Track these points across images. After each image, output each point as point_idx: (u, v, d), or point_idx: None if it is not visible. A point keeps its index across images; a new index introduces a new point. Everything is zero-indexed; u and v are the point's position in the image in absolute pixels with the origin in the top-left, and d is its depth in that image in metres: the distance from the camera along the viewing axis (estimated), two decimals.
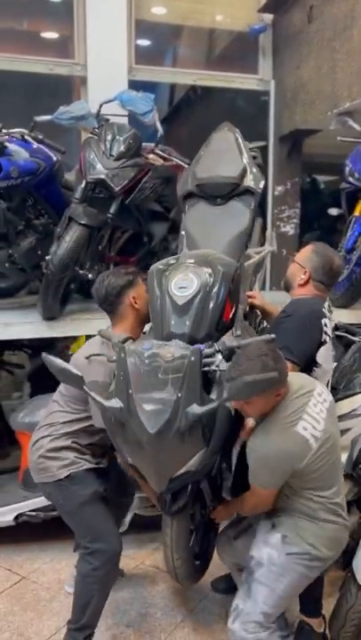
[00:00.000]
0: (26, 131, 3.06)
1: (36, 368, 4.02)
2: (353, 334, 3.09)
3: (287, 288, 2.32)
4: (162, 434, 1.71)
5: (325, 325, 2.16)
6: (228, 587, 2.53)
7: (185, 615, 2.49)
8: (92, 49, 4.19)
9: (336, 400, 2.70)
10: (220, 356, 1.81)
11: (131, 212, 3.16)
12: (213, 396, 1.83)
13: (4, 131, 2.92)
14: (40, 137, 3.06)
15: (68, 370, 1.82)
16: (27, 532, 2.94)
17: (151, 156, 3.15)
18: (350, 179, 3.49)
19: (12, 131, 3.01)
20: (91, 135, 3.13)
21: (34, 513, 2.85)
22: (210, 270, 1.99)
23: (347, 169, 3.55)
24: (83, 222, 2.86)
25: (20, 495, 2.90)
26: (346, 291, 3.48)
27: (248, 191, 2.52)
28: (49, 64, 4.21)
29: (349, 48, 3.77)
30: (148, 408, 1.72)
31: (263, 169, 2.92)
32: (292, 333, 2.12)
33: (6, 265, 3.17)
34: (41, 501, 2.74)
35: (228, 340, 1.96)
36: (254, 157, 2.91)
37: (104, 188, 2.96)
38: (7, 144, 2.88)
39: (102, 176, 2.91)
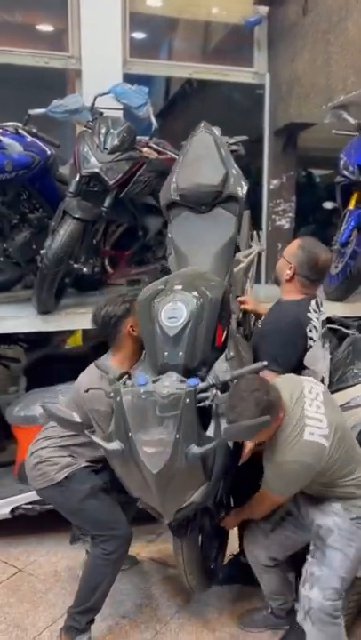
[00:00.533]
0: (20, 124, 3.05)
1: (32, 362, 4.03)
2: (347, 327, 3.10)
3: (277, 282, 2.35)
4: (164, 473, 1.78)
5: (311, 330, 2.17)
6: (225, 577, 2.56)
7: (180, 606, 2.51)
8: (86, 42, 4.19)
9: (330, 393, 2.73)
10: (214, 390, 1.83)
11: (125, 205, 3.16)
12: (211, 429, 1.87)
13: None
14: (34, 130, 3.05)
15: (67, 419, 1.94)
16: (23, 525, 2.95)
17: (145, 149, 3.14)
18: (345, 172, 3.49)
19: (5, 124, 3.00)
20: (85, 128, 3.12)
21: (30, 506, 2.86)
22: (198, 296, 1.98)
23: (341, 162, 3.55)
24: (77, 216, 2.86)
25: (16, 488, 2.92)
26: (340, 284, 3.50)
27: (232, 197, 2.47)
28: (43, 57, 4.20)
29: (344, 40, 3.77)
30: (149, 450, 1.80)
31: (244, 160, 2.92)
32: (275, 343, 2.18)
33: (1, 259, 3.17)
34: (37, 495, 2.75)
35: (221, 367, 1.97)
36: (235, 151, 2.90)
37: (98, 181, 2.95)
38: (1, 138, 2.87)
39: (96, 170, 2.90)
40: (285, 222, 4.92)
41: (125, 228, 3.51)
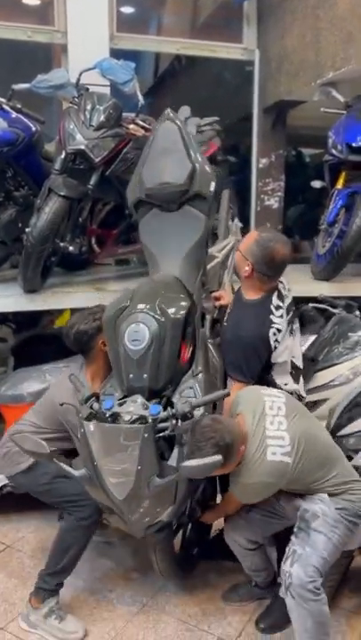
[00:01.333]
0: (4, 100, 3.00)
1: (19, 342, 4.02)
2: (334, 307, 3.12)
3: (238, 277, 2.36)
4: (129, 500, 1.88)
5: (275, 333, 2.19)
6: (209, 553, 2.60)
7: (166, 580, 2.55)
8: (72, 15, 4.09)
9: (315, 371, 2.76)
10: (174, 420, 1.89)
11: (111, 183, 3.12)
12: (174, 457, 1.94)
13: None
14: (18, 106, 3.00)
15: (37, 451, 1.97)
16: (11, 503, 2.96)
17: (132, 126, 3.09)
18: (333, 151, 3.48)
19: None
20: (70, 105, 3.07)
21: None
22: (160, 317, 2.02)
23: (330, 141, 3.53)
24: (62, 194, 2.82)
25: None
26: (328, 264, 3.50)
27: (200, 195, 2.37)
28: (27, 31, 4.10)
29: (333, 16, 3.71)
30: (113, 480, 1.88)
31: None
32: (238, 355, 2.23)
33: None
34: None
35: (187, 385, 2.05)
36: (202, 131, 2.83)
37: (84, 159, 2.91)
38: None
39: (82, 147, 2.86)
40: (274, 202, 4.89)
41: (112, 207, 3.48)
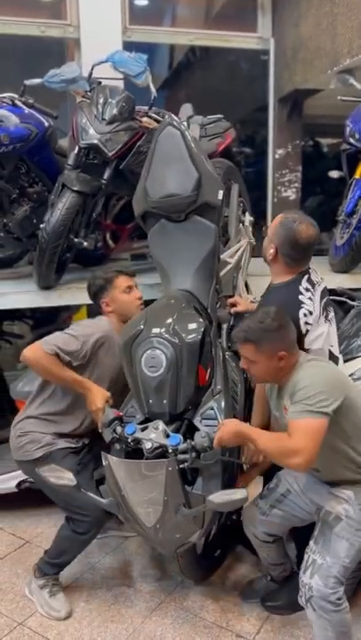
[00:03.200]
0: (16, 95, 2.99)
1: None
2: (352, 299, 3.06)
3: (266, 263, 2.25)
4: (158, 526, 1.94)
5: (306, 315, 2.03)
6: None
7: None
8: (84, 9, 4.06)
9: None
10: (193, 454, 1.91)
11: (125, 177, 3.09)
12: (199, 484, 2.01)
13: None
14: (31, 101, 2.99)
15: (63, 484, 2.02)
16: (30, 499, 2.97)
17: (145, 119, 3.05)
18: (351, 139, 3.40)
19: (1, 95, 2.94)
20: (83, 99, 3.05)
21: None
22: (177, 342, 2.01)
23: (347, 129, 3.46)
24: (76, 189, 2.81)
25: None
26: (345, 255, 3.43)
27: (208, 204, 2.30)
28: (40, 26, 4.08)
29: (350, 1, 3.63)
30: (141, 509, 1.94)
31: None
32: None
33: (1, 234, 3.14)
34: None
35: (199, 435, 1.97)
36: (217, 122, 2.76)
37: (97, 153, 2.90)
38: None
39: (95, 141, 2.84)
40: (291, 193, 4.83)
41: (126, 201, 3.45)
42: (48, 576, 2.39)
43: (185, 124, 2.62)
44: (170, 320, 2.07)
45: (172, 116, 2.36)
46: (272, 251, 2.11)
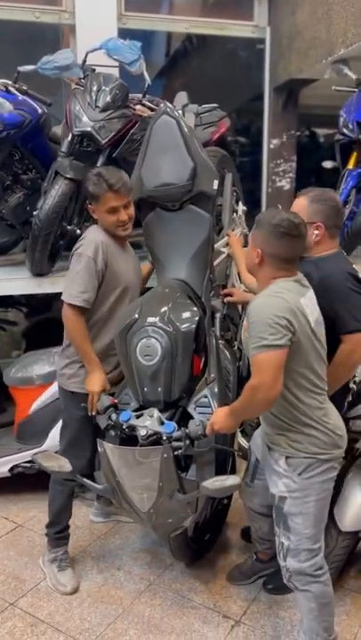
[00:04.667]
0: (10, 82, 2.98)
1: (31, 325, 4.06)
2: None
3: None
4: (152, 512, 1.98)
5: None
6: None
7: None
8: None
9: None
10: (187, 441, 1.95)
11: (119, 165, 3.10)
12: (193, 473, 2.08)
13: None
14: (24, 88, 2.98)
15: (57, 470, 2.10)
16: (22, 483, 3.02)
17: (138, 107, 3.05)
18: (344, 130, 3.41)
19: None
20: (77, 86, 3.05)
21: (29, 464, 2.93)
22: (171, 331, 2.03)
23: (341, 120, 3.46)
24: (69, 176, 2.81)
25: (15, 447, 2.98)
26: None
27: (203, 193, 2.28)
28: (35, 12, 4.06)
29: None
30: (136, 495, 1.98)
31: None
32: (345, 305, 1.98)
33: None
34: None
35: (193, 423, 1.99)
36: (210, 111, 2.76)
37: (91, 140, 2.90)
38: None
39: (88, 128, 2.84)
40: (286, 183, 4.84)
41: None
42: (56, 547, 2.49)
43: (180, 112, 2.60)
44: (165, 309, 2.08)
45: (168, 104, 2.33)
46: (317, 231, 2.04)
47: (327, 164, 4.44)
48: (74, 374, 2.36)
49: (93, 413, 2.23)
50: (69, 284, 2.27)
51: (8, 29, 4.24)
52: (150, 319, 2.06)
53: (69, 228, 2.98)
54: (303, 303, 1.81)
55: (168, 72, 6.31)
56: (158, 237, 2.39)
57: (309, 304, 1.85)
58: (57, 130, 3.35)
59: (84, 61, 3.06)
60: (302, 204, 2.08)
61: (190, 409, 2.13)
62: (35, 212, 2.86)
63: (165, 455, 1.90)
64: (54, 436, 2.78)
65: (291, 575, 1.92)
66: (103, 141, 2.87)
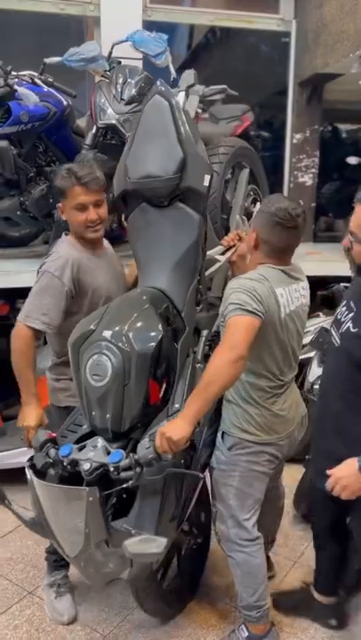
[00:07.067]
0: (36, 73, 2.99)
1: None
2: None
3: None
4: (80, 558, 1.74)
5: None
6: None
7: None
8: None
9: None
10: (138, 469, 1.67)
11: None
12: (133, 514, 1.76)
13: (13, 73, 2.85)
14: (50, 80, 2.99)
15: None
16: None
17: None
18: None
19: (21, 73, 2.94)
20: (102, 78, 3.04)
21: None
22: (125, 349, 1.73)
23: None
24: None
25: None
26: None
27: (192, 190, 1.98)
28: (59, 3, 4.05)
29: None
30: (64, 536, 1.75)
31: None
32: None
33: (18, 213, 3.16)
34: None
35: (142, 446, 1.72)
36: (213, 101, 2.58)
37: (115, 133, 2.90)
38: (17, 87, 2.82)
39: (113, 121, 2.85)
40: (308, 179, 4.78)
41: None
42: (54, 571, 2.35)
43: (181, 94, 2.35)
44: (125, 323, 1.79)
45: (163, 83, 2.03)
46: None
47: (351, 160, 4.38)
48: (65, 388, 2.19)
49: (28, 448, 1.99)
50: (28, 304, 2.05)
51: (32, 21, 4.25)
52: (106, 333, 1.76)
53: None
54: (279, 293, 1.85)
55: (190, 65, 6.29)
56: (141, 236, 2.09)
57: (288, 295, 1.90)
58: (81, 122, 3.35)
59: (110, 53, 3.06)
60: None
61: (143, 442, 1.76)
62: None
63: (91, 498, 1.63)
64: None
65: (220, 539, 2.08)
66: (128, 134, 2.85)
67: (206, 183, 2.00)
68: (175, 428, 1.66)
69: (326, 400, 1.90)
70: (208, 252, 2.19)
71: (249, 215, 2.91)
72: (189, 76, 2.45)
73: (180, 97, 2.36)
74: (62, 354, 2.16)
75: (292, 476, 2.73)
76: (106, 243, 2.32)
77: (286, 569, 2.59)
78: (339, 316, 1.85)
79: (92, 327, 1.81)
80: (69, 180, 2.06)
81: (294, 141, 4.68)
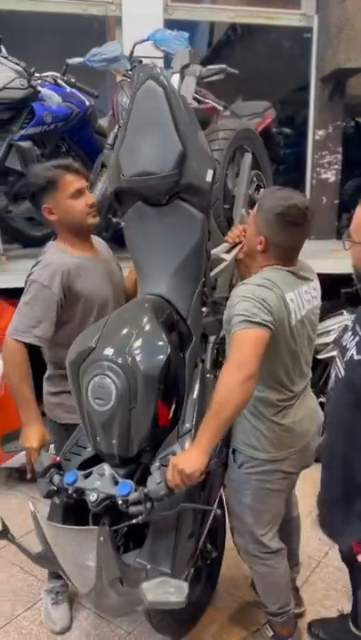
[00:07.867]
0: (58, 74, 3.02)
1: None
2: None
3: None
4: (93, 595, 1.63)
5: None
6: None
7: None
8: None
9: None
10: (148, 504, 1.56)
11: None
12: (145, 551, 1.67)
13: (36, 75, 2.88)
14: (73, 80, 3.01)
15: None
16: None
17: None
18: None
19: (44, 74, 2.97)
20: (123, 78, 3.06)
21: None
22: (130, 369, 1.58)
23: None
24: None
25: None
26: None
27: (193, 186, 1.78)
28: (81, 4, 4.08)
29: None
30: (74, 573, 1.62)
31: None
32: None
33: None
34: None
35: (153, 481, 1.59)
36: (210, 78, 2.34)
37: None
38: (40, 88, 2.86)
39: None
40: (331, 175, 4.73)
41: None
42: (54, 579, 2.33)
43: (175, 76, 2.11)
44: (128, 339, 1.63)
45: (156, 65, 1.83)
46: None
47: None
48: (63, 403, 2.06)
49: (29, 477, 1.89)
50: (17, 317, 1.93)
51: (54, 22, 4.28)
52: (107, 351, 1.61)
53: (114, 220, 3.00)
54: (289, 298, 1.73)
55: (211, 62, 6.27)
56: (138, 239, 1.90)
57: (299, 299, 1.77)
58: (103, 122, 3.37)
59: (132, 53, 3.07)
60: None
61: (154, 467, 1.65)
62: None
63: (102, 538, 1.49)
64: None
65: (239, 550, 2.05)
66: None
67: (209, 179, 1.80)
68: (188, 460, 1.53)
69: (332, 444, 1.67)
70: (212, 251, 2.03)
71: (253, 203, 2.58)
72: (183, 55, 2.17)
73: (175, 79, 2.11)
74: (58, 365, 2.03)
75: (312, 478, 2.67)
76: (101, 245, 2.22)
77: (311, 568, 2.57)
78: (344, 342, 1.65)
79: (91, 344, 1.65)
80: (57, 171, 1.95)
81: (316, 138, 4.64)
